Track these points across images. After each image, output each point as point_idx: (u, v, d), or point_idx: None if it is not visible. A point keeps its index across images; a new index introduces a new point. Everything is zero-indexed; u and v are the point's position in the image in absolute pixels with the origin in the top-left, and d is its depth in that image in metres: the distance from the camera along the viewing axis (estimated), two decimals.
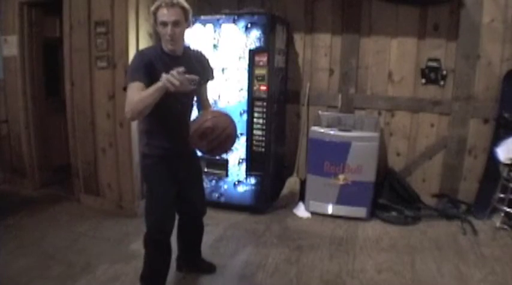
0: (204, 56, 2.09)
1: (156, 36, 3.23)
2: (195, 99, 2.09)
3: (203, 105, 2.11)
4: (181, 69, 1.63)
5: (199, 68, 1.96)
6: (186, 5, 1.82)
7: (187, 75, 1.65)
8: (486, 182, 3.27)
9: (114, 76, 3.10)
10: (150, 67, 1.77)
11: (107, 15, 3.05)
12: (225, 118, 1.89)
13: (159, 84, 1.64)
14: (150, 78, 1.73)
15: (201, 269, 2.43)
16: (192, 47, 2.13)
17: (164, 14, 1.76)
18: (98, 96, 3.23)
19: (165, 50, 1.86)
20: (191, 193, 2.17)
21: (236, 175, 3.36)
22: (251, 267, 2.53)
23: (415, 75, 3.47)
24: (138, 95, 1.69)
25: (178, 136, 1.95)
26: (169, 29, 1.77)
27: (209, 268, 2.44)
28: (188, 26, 1.87)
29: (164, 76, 1.63)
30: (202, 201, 2.29)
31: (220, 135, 1.81)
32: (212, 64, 2.13)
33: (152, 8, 1.80)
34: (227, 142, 1.88)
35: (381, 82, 3.59)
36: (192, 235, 2.35)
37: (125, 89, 1.82)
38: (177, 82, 1.60)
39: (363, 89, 3.65)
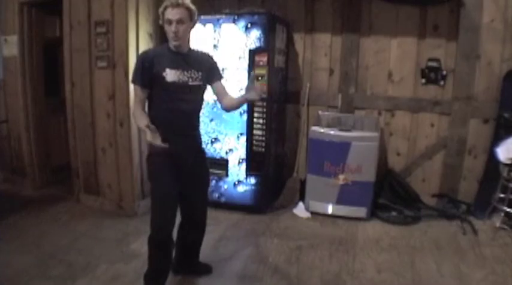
0: (211, 57, 2.20)
1: (156, 36, 3.25)
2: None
3: (226, 100, 2.20)
4: (152, 126, 1.78)
5: (204, 68, 2.08)
6: (191, 6, 1.96)
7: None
8: (486, 182, 3.27)
9: (114, 76, 3.10)
10: (149, 66, 1.95)
11: (107, 15, 3.05)
12: None
13: (141, 125, 1.89)
14: (150, 76, 1.95)
15: (198, 272, 2.40)
16: (199, 49, 2.20)
17: (170, 13, 1.92)
18: (98, 96, 3.23)
19: (172, 48, 2.00)
20: (193, 195, 2.18)
21: (236, 175, 3.35)
22: (251, 267, 2.53)
23: (415, 75, 3.47)
24: (137, 110, 1.98)
25: (184, 133, 2.06)
26: (173, 26, 1.92)
27: (206, 270, 2.42)
28: (193, 25, 2.02)
29: (144, 124, 1.81)
30: (203, 206, 2.28)
31: None
32: (219, 64, 2.24)
33: (160, 9, 1.95)
34: None
35: (381, 82, 3.59)
36: (192, 237, 2.32)
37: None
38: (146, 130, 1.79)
39: (363, 89, 3.65)
